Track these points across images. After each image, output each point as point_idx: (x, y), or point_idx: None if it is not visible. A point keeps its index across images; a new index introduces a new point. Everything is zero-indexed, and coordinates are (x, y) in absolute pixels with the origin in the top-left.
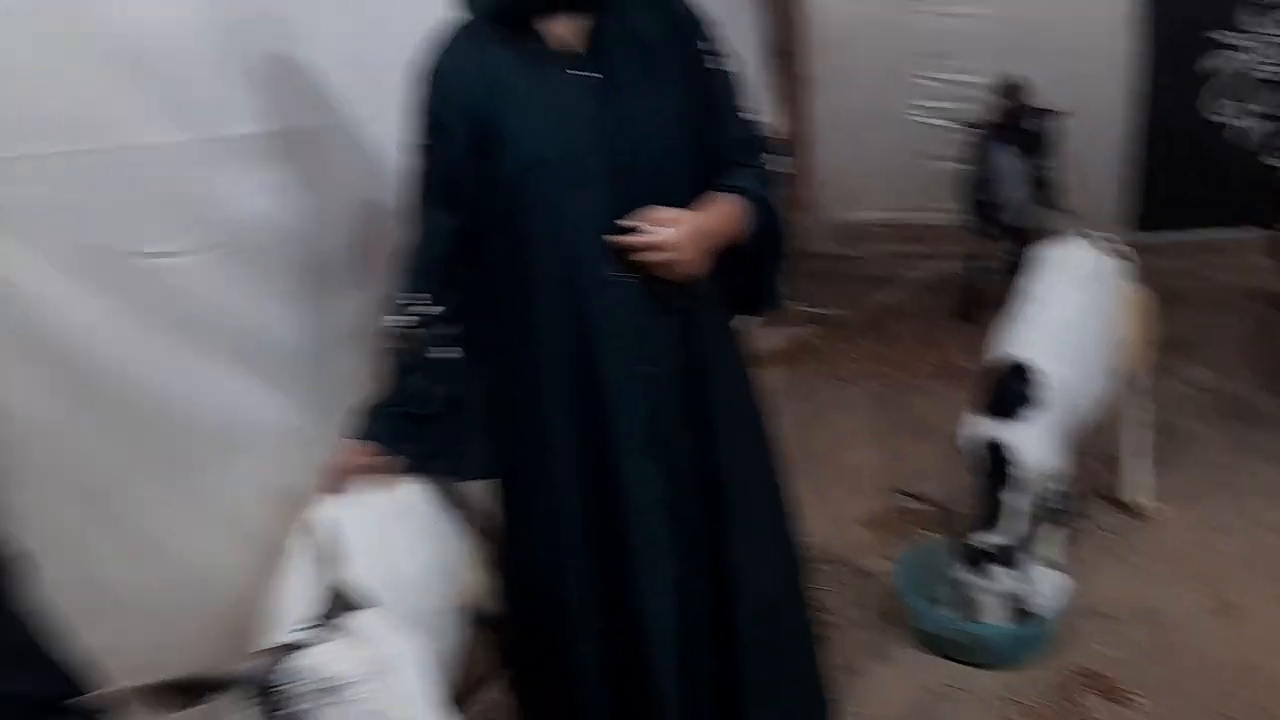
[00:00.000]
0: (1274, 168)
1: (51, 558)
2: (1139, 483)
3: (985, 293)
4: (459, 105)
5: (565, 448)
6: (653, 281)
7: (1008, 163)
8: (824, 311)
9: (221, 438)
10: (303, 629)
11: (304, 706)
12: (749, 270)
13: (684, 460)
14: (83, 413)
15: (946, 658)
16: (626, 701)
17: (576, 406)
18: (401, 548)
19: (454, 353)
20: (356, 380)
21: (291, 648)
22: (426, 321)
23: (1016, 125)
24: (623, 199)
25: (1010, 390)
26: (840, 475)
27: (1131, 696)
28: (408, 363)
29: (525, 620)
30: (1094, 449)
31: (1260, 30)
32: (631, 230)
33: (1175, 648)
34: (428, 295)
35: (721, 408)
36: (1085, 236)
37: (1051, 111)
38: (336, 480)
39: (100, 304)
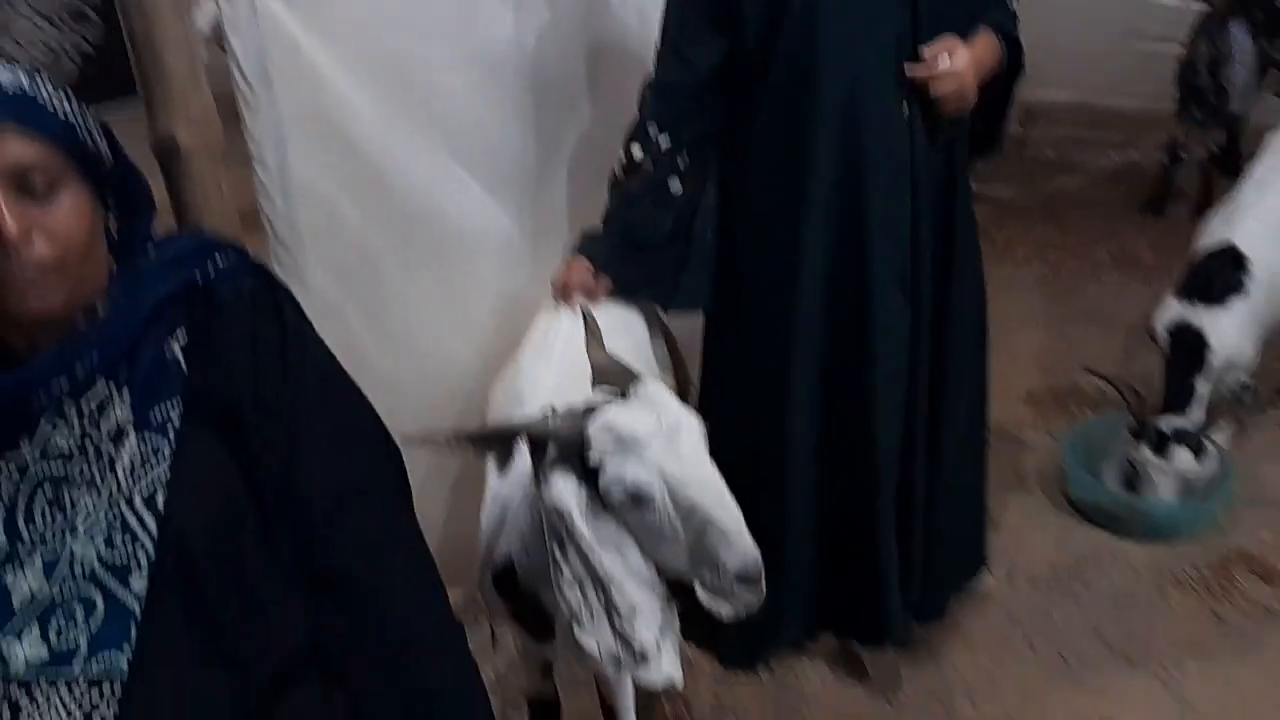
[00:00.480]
0: None
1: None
2: None
3: (1180, 186)
4: None
5: (819, 275)
6: (929, 114)
7: (1241, 43)
8: (991, 192)
9: (465, 242)
10: (600, 395)
11: (607, 458)
12: (989, 109)
13: (926, 294)
14: (357, 200)
15: (1099, 527)
16: (836, 518)
17: (836, 237)
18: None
19: (682, 184)
20: (583, 202)
21: (593, 409)
22: (663, 153)
23: (1256, 3)
24: (915, 30)
25: (1218, 275)
26: (1005, 356)
27: None
28: (637, 191)
29: (741, 439)
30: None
31: None
32: (920, 60)
33: None
34: (667, 127)
35: (960, 248)
36: None
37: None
38: (561, 292)
39: (386, 105)
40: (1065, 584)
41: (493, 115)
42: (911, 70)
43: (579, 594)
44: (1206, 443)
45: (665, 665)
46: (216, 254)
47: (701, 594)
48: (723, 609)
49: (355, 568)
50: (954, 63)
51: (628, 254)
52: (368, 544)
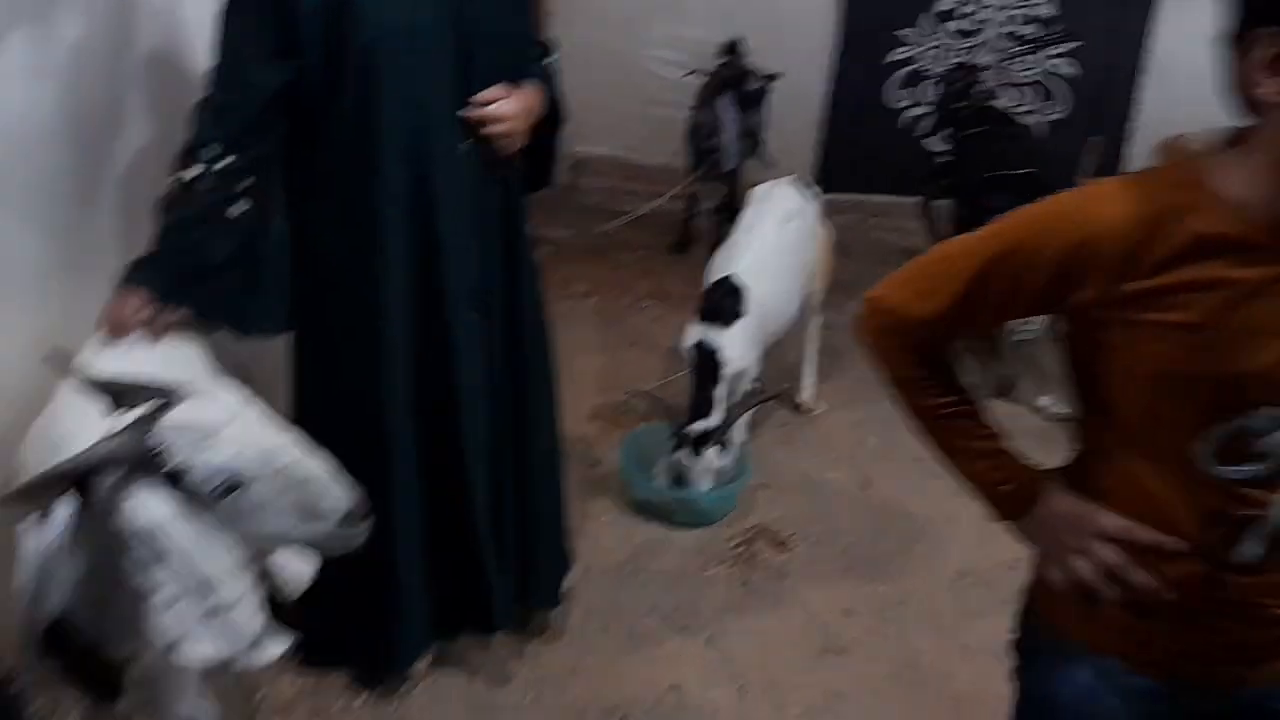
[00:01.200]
0: (931, 150)
1: None
2: (807, 386)
3: (699, 229)
4: None
5: (397, 301)
6: (487, 152)
7: (726, 114)
8: (551, 233)
9: (20, 269)
10: (152, 403)
11: (193, 455)
12: (536, 151)
13: (499, 312)
14: None
15: (655, 521)
16: (439, 522)
17: (414, 263)
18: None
19: (244, 206)
20: (127, 227)
21: (144, 420)
22: (219, 174)
23: (736, 81)
24: (466, 75)
25: (722, 301)
26: (568, 378)
27: (794, 545)
28: (193, 215)
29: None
30: (774, 360)
31: (931, 34)
32: (475, 104)
33: (828, 511)
34: (225, 148)
35: (524, 271)
36: (792, 180)
37: (765, 74)
38: (113, 329)
39: None
40: (629, 574)
41: (22, 130)
42: (467, 112)
43: (180, 610)
44: (726, 438)
45: (272, 644)
46: None
47: (319, 547)
48: (340, 551)
49: None
50: (504, 108)
51: (185, 280)
52: None
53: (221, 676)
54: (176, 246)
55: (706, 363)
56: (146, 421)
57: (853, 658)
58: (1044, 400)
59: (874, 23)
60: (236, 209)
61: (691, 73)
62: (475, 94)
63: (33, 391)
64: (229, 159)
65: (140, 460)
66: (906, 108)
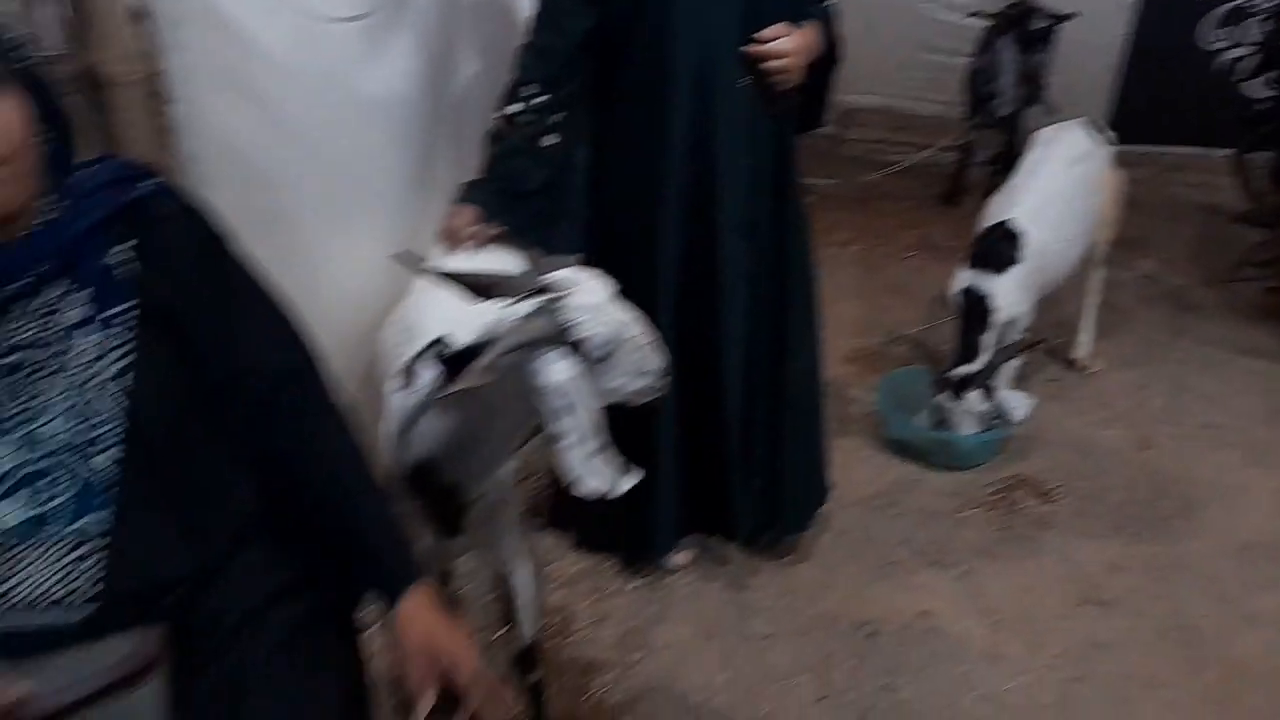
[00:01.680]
0: (1250, 97)
1: None
2: (1083, 342)
3: (971, 181)
4: None
5: (673, 225)
6: (765, 87)
7: (1009, 58)
8: (816, 182)
9: (360, 190)
10: (557, 288)
11: (592, 327)
12: (811, 91)
13: (765, 242)
14: (260, 145)
15: (911, 461)
16: (694, 434)
17: (689, 190)
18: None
19: (554, 139)
20: (468, 158)
21: (548, 302)
22: (535, 110)
23: (1021, 22)
24: (751, 15)
25: (997, 247)
26: (828, 321)
27: (1059, 498)
28: (513, 145)
29: None
30: (1049, 311)
31: None
32: (759, 41)
33: (1100, 469)
34: (542, 86)
35: (791, 204)
36: (1082, 122)
37: (1056, 14)
38: (449, 237)
39: (286, 51)
40: (881, 507)
41: (383, 73)
42: (749, 48)
43: (580, 453)
44: (991, 385)
45: (627, 479)
46: (145, 176)
47: (642, 398)
48: (647, 400)
49: (292, 446)
50: (784, 45)
51: (506, 202)
52: (302, 423)
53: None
54: (500, 172)
55: (975, 309)
56: (555, 303)
57: (1116, 611)
58: None
59: None
60: (548, 141)
61: (975, 14)
62: (758, 31)
63: (392, 288)
64: (544, 96)
65: (555, 333)
66: (1224, 49)
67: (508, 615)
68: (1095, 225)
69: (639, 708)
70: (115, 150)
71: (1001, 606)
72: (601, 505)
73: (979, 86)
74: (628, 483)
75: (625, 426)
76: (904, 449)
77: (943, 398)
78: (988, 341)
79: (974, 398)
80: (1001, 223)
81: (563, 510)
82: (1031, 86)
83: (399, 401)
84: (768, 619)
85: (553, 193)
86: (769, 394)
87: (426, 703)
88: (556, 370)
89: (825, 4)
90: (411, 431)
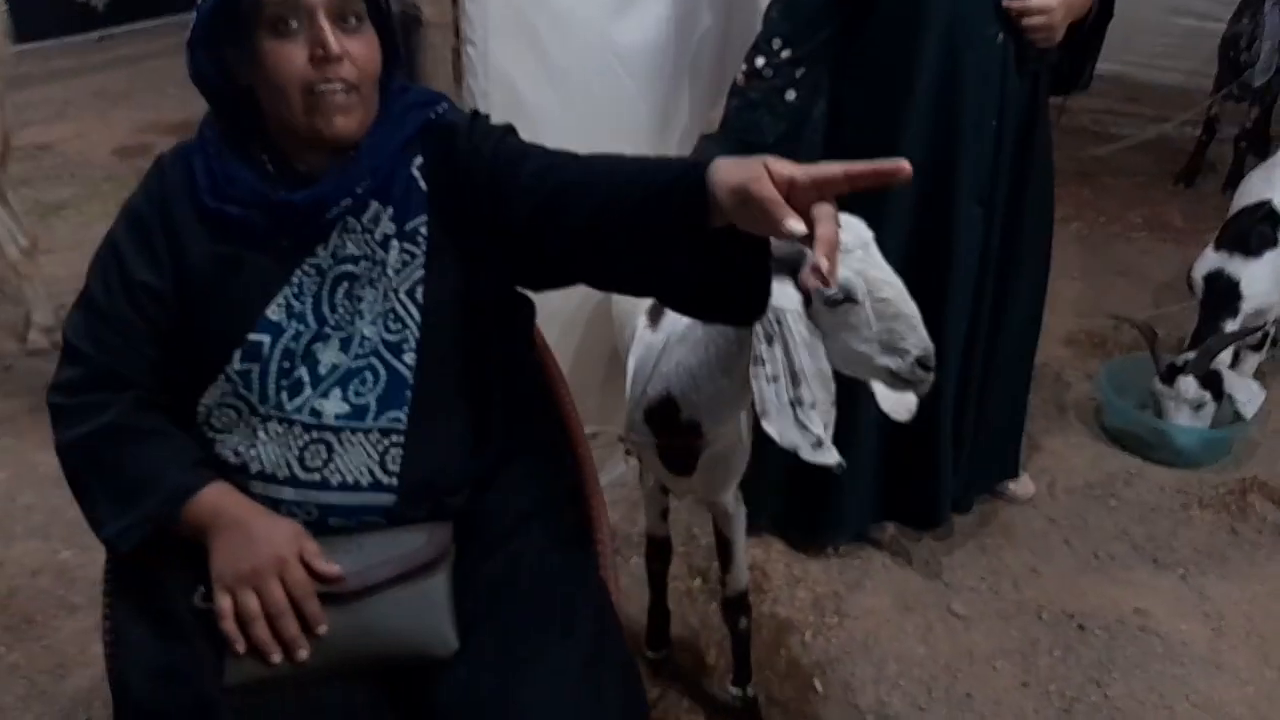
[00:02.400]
0: None
1: None
2: None
3: (1213, 159)
4: None
5: (908, 190)
6: (1022, 44)
7: (1274, 22)
8: None
9: (616, 126)
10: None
11: (858, 259)
12: (1074, 50)
13: (1000, 209)
14: (535, 86)
15: (1130, 452)
16: None
17: (928, 148)
18: None
19: (795, 93)
20: (702, 101)
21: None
22: (783, 63)
23: None
24: None
25: (1254, 229)
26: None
27: None
28: (756, 98)
29: None
30: None
31: None
32: None
33: None
34: (790, 40)
35: (1035, 171)
36: None
37: None
38: None
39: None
40: (1099, 497)
41: (648, 21)
42: (1007, 2)
43: (772, 388)
44: (1230, 377)
45: (828, 454)
46: (443, 101)
47: (881, 388)
48: (905, 393)
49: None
50: (1045, 1)
51: (742, 153)
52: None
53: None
54: (738, 125)
55: (1222, 295)
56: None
57: None
58: None
59: None
60: (791, 95)
61: None
62: None
63: None
64: (790, 50)
65: (788, 260)
66: None
67: (724, 561)
68: None
69: (835, 669)
70: (420, 82)
71: (1226, 613)
72: (795, 480)
73: (1234, 53)
74: (819, 458)
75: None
76: (1124, 440)
77: (1157, 386)
78: (1230, 329)
79: (1187, 384)
80: (1264, 202)
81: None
82: None
83: (647, 338)
84: (969, 600)
85: (789, 145)
86: (983, 373)
87: (798, 225)
88: (778, 294)
89: None
90: (656, 368)
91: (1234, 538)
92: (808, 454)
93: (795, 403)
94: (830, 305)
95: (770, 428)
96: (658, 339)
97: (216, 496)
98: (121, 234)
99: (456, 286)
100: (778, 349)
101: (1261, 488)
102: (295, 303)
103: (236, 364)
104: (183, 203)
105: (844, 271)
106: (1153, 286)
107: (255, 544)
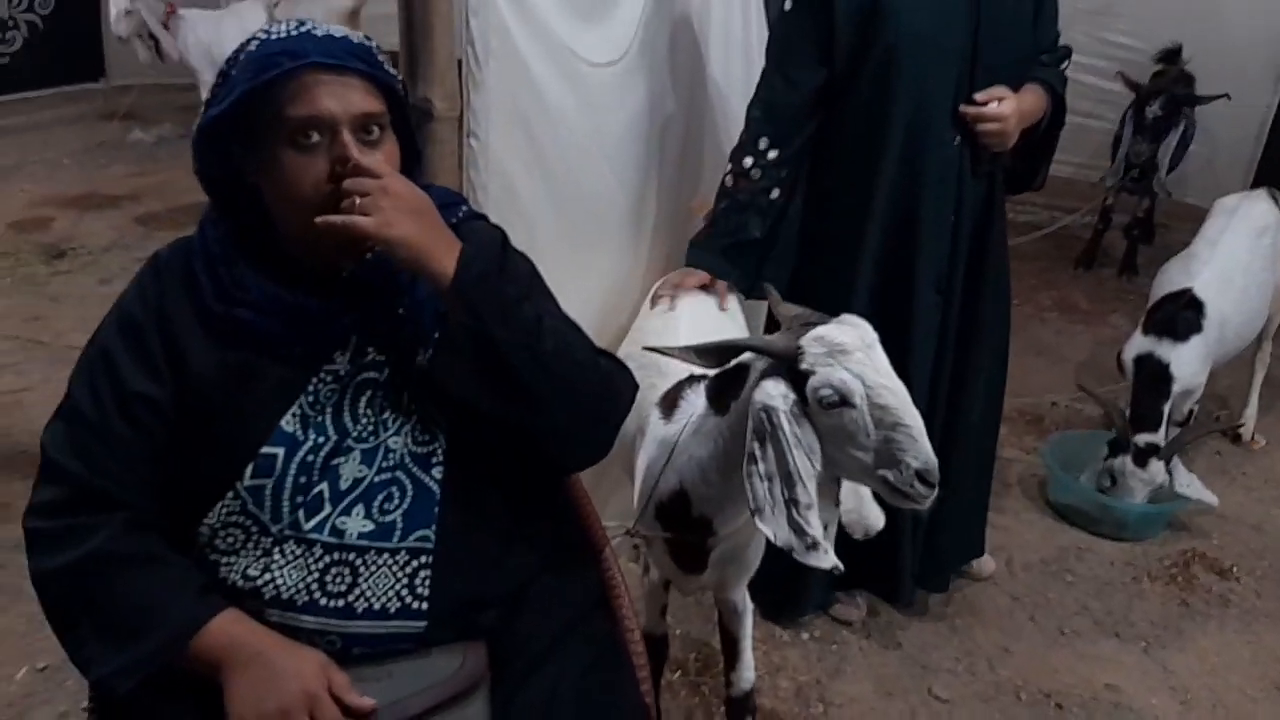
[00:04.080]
0: None
1: None
2: (1250, 417)
3: (1106, 246)
4: None
5: (870, 277)
6: (976, 148)
7: (1156, 126)
8: None
9: (601, 221)
10: (808, 319)
11: (818, 364)
12: (1027, 153)
13: (958, 297)
14: (529, 177)
15: (1076, 526)
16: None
17: (889, 241)
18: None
19: (777, 193)
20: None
21: (807, 325)
22: (770, 164)
23: (1170, 91)
24: (973, 76)
25: (1179, 315)
26: None
27: (1238, 576)
28: (744, 199)
29: None
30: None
31: None
32: (975, 103)
33: (1276, 549)
34: (775, 141)
35: (991, 263)
36: (1266, 192)
37: (1210, 95)
38: (675, 288)
39: (559, 94)
40: (1055, 573)
41: (624, 114)
42: (964, 109)
43: (766, 486)
44: (1170, 455)
45: (824, 558)
46: (464, 203)
47: (882, 492)
48: (902, 505)
49: None
50: (999, 108)
51: (732, 256)
52: None
53: None
54: (730, 225)
55: (1154, 377)
56: (801, 328)
57: None
58: None
59: None
60: (774, 194)
61: (1120, 74)
62: (975, 92)
63: (621, 312)
64: (777, 152)
65: (784, 355)
66: None
67: (729, 659)
68: (1275, 299)
69: None
70: (426, 175)
71: (1190, 685)
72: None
73: (1128, 153)
74: (813, 560)
75: None
76: (1069, 514)
77: (1121, 462)
78: (1165, 411)
79: (1158, 468)
80: (1185, 290)
81: None
82: (1176, 156)
83: (660, 431)
84: (948, 682)
85: (768, 243)
86: (942, 449)
87: None
88: (766, 387)
89: (1057, 68)
90: (670, 461)
91: (1186, 609)
92: (801, 555)
93: (791, 503)
94: (825, 407)
95: (764, 526)
96: (672, 430)
97: (230, 626)
98: (113, 339)
99: None
100: (770, 448)
101: (1202, 559)
102: (312, 413)
103: (247, 479)
104: (182, 306)
105: (840, 373)
106: (1070, 366)
107: (280, 679)
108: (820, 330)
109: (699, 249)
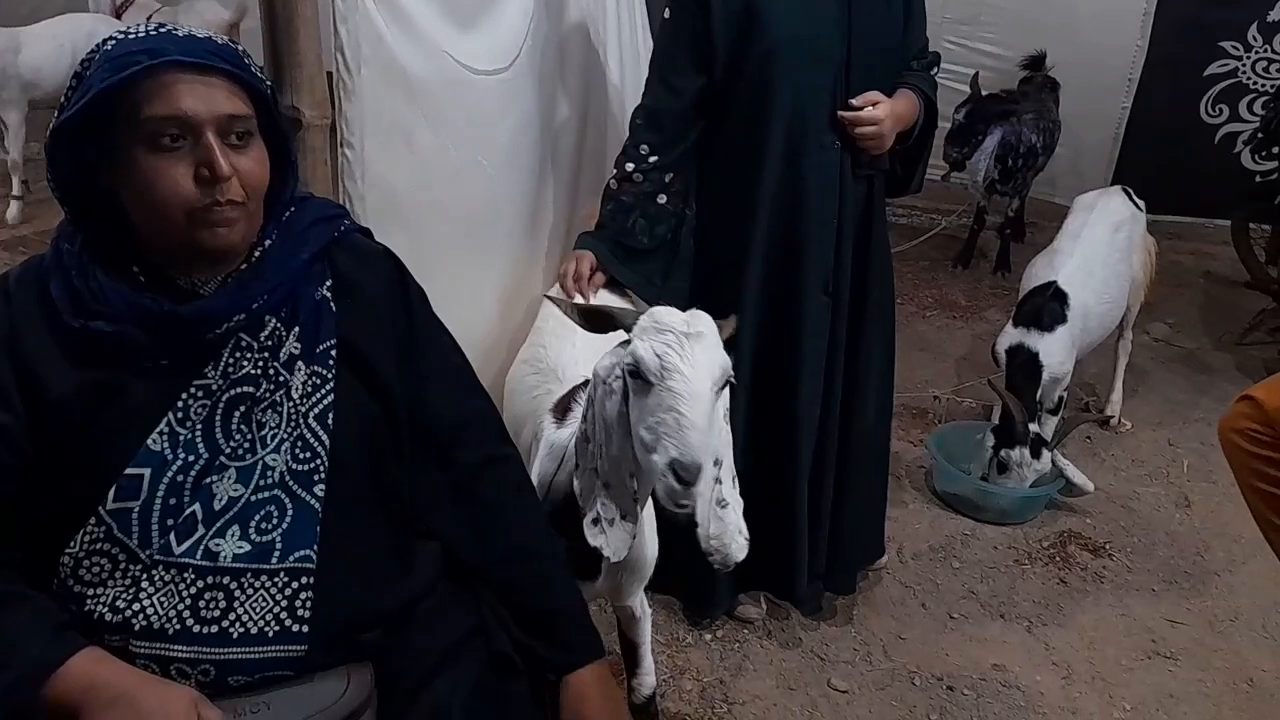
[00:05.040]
0: (1253, 170)
1: None
2: (1115, 402)
3: (981, 245)
4: None
5: (757, 280)
6: (855, 151)
7: (1020, 130)
8: None
9: (486, 233)
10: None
11: (637, 334)
12: (904, 157)
13: (845, 297)
14: (409, 188)
15: (960, 514)
16: (761, 493)
17: (775, 245)
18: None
19: (666, 197)
20: (572, 203)
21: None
22: (650, 169)
23: (1032, 96)
24: (848, 81)
25: (1045, 306)
26: None
27: (1110, 553)
28: (629, 201)
29: None
30: (1078, 373)
31: (1259, 46)
32: (851, 107)
33: (1144, 525)
34: (656, 146)
35: (875, 264)
36: (1120, 189)
37: (1008, 106)
38: (571, 278)
39: (448, 106)
40: (943, 559)
41: (512, 123)
42: (842, 113)
43: (581, 446)
44: (1045, 442)
45: (606, 543)
46: (343, 215)
47: (657, 490)
48: (673, 511)
49: (475, 486)
50: (874, 112)
51: (620, 255)
52: (482, 465)
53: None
54: (615, 229)
55: (1025, 367)
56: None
57: (1183, 665)
58: None
59: (1192, 36)
60: (662, 199)
61: (973, 79)
62: (851, 97)
63: (510, 322)
64: (657, 157)
65: (624, 325)
66: (1222, 124)
67: (630, 665)
68: (1132, 289)
69: None
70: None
71: (1071, 660)
72: (671, 556)
73: (1004, 156)
74: (590, 535)
75: None
76: (954, 502)
77: (1020, 454)
78: (1037, 398)
79: (1047, 458)
80: (1050, 283)
81: None
82: (1038, 158)
83: (552, 436)
84: (846, 673)
85: (664, 249)
86: (838, 451)
87: None
88: (603, 358)
89: (927, 73)
90: (561, 466)
91: (1064, 588)
92: (587, 527)
93: (592, 470)
94: (631, 376)
95: (576, 482)
96: (563, 435)
97: (89, 666)
98: None
99: (366, 415)
100: (590, 409)
101: (1076, 539)
102: (181, 430)
103: (110, 503)
104: (37, 329)
105: (645, 347)
106: (951, 359)
107: None
108: (660, 310)
109: (588, 237)
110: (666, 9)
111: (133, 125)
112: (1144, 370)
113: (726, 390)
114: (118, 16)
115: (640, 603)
